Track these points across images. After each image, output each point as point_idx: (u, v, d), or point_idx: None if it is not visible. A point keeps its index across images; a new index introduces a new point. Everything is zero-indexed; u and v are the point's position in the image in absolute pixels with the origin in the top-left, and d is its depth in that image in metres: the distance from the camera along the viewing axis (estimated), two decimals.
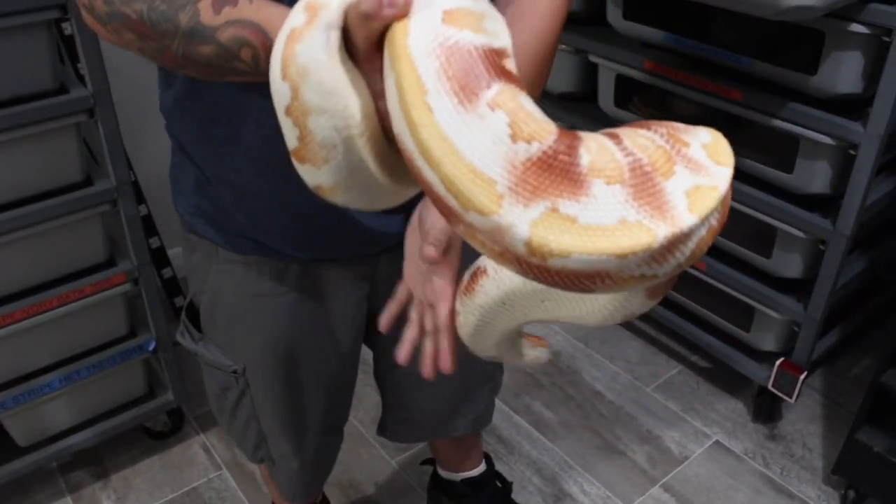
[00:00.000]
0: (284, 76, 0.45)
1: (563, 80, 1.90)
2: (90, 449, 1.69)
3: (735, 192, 1.57)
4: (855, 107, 1.39)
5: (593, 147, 0.40)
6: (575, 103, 1.92)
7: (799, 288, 1.61)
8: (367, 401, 1.13)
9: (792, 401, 1.64)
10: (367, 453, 1.70)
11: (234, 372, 1.00)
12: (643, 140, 0.41)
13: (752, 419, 1.78)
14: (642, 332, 2.04)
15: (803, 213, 1.50)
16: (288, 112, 0.46)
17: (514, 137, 0.38)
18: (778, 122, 1.46)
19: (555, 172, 0.39)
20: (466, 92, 0.39)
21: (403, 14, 0.41)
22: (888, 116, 1.30)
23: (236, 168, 0.84)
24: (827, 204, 1.50)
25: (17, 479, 1.54)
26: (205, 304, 0.99)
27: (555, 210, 0.38)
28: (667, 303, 1.89)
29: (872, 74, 1.33)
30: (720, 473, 1.65)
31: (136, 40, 0.61)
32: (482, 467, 1.35)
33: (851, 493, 1.56)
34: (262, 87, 0.68)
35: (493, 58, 0.40)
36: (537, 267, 0.40)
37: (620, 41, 1.71)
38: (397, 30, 0.41)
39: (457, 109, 0.39)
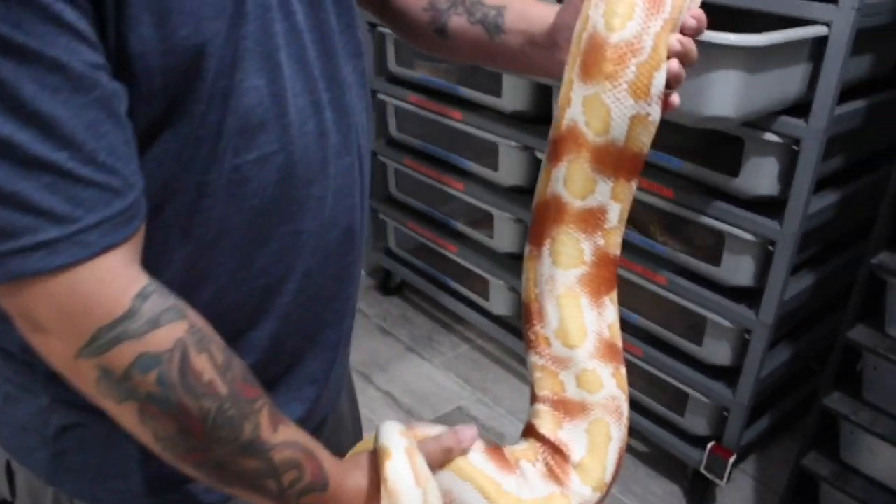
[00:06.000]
0: (416, 482, 0.59)
1: (513, 173, 2.02)
2: None
3: (669, 283, 1.68)
4: (773, 207, 1.51)
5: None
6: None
7: (728, 375, 1.70)
8: None
9: (723, 483, 1.72)
10: None
11: None
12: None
13: (686, 501, 1.84)
14: None
15: (730, 303, 1.61)
16: None
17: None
18: (705, 219, 1.58)
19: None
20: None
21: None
22: (800, 216, 1.43)
23: None
24: (751, 296, 1.61)
25: None
26: None
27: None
28: None
29: (787, 178, 1.47)
30: None
31: (172, 433, 0.53)
32: None
33: None
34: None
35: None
36: None
37: None
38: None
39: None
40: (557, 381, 0.66)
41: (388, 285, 2.62)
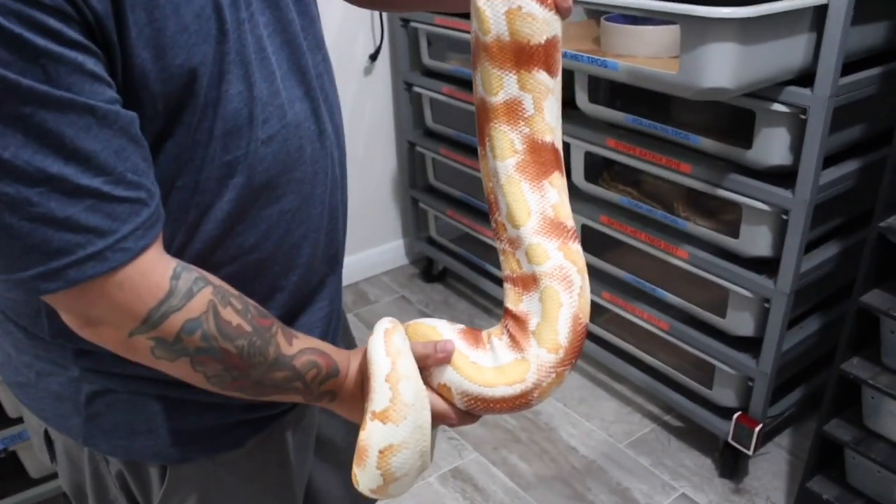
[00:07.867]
0: (387, 353, 0.71)
1: None
2: None
3: (690, 257, 1.72)
4: (787, 177, 1.54)
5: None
6: None
7: (753, 345, 1.73)
8: None
9: (750, 453, 1.74)
10: None
11: None
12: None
13: (718, 474, 1.87)
14: (619, 392, 2.15)
15: (749, 273, 1.64)
16: (387, 378, 0.69)
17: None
18: (722, 192, 1.62)
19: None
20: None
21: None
22: (810, 184, 1.46)
23: None
24: (771, 266, 1.64)
25: None
26: None
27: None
28: (641, 364, 2.01)
29: (798, 148, 1.49)
30: None
31: (219, 371, 0.66)
32: None
33: None
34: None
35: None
36: None
37: (588, 122, 1.89)
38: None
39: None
40: (515, 260, 0.74)
41: (430, 273, 2.71)
